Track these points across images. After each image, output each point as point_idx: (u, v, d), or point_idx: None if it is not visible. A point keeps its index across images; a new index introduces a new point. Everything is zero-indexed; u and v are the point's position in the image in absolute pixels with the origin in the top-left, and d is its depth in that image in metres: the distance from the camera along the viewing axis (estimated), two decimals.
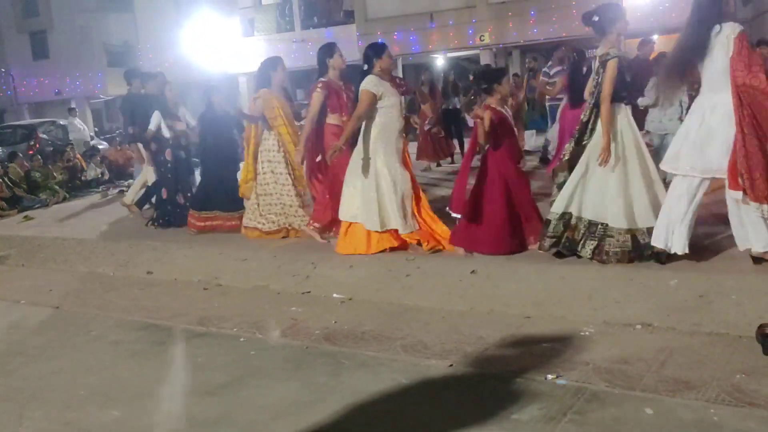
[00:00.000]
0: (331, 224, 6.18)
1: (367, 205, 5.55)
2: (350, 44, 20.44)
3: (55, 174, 12.25)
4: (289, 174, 6.50)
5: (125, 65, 30.48)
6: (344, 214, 5.74)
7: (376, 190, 5.52)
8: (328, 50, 6.22)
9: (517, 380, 3.48)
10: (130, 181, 13.72)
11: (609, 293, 4.40)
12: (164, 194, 7.70)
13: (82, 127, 17.99)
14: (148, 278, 6.40)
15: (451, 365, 3.76)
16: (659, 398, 3.17)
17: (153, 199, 8.28)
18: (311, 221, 6.24)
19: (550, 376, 3.48)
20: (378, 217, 5.52)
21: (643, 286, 4.36)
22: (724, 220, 5.31)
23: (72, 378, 4.06)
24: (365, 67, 5.63)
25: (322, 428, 3.17)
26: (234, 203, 7.13)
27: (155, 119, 7.58)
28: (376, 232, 5.56)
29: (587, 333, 4.07)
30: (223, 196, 7.11)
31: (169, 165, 7.66)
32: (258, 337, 4.53)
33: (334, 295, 5.28)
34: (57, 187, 11.94)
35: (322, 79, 6.13)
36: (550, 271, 4.77)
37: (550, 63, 9.77)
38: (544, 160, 9.66)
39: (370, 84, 5.51)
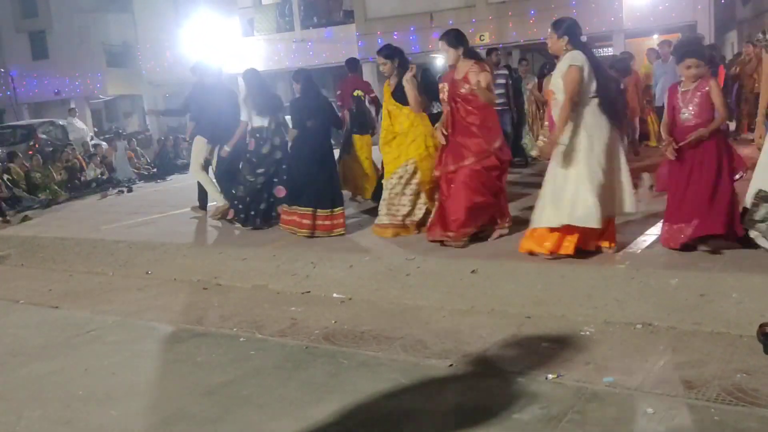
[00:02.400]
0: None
1: None
2: (350, 44, 20.47)
3: (54, 174, 12.25)
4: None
5: (124, 65, 30.58)
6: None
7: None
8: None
9: (517, 380, 3.47)
10: (129, 183, 13.74)
11: (609, 292, 4.39)
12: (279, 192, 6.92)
13: (81, 127, 17.97)
14: (148, 278, 6.39)
15: (451, 365, 3.75)
16: (660, 398, 3.16)
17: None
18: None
19: (550, 376, 3.47)
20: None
21: (644, 285, 4.35)
22: None
23: (71, 378, 4.05)
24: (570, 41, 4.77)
25: (322, 428, 3.16)
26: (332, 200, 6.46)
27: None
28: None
29: (588, 332, 4.06)
30: (318, 191, 6.38)
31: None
32: (257, 337, 4.51)
33: (334, 294, 5.27)
34: (56, 187, 11.95)
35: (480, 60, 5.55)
36: (551, 270, 4.76)
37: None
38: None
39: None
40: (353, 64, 9.55)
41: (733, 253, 4.60)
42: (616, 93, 4.87)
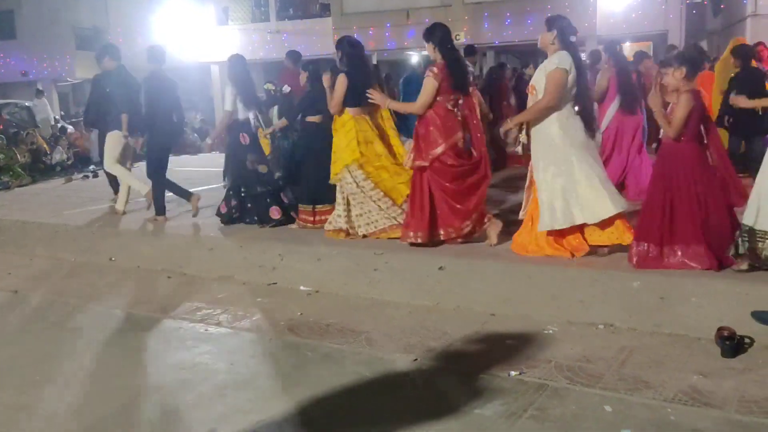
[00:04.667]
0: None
1: None
2: (326, 38, 20.39)
3: (18, 156, 11.99)
4: None
5: (94, 49, 29.93)
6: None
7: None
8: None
9: (480, 376, 3.50)
10: (93, 167, 13.51)
11: (573, 293, 4.45)
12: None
13: (48, 110, 17.60)
14: (111, 265, 6.30)
15: (415, 360, 3.77)
16: (618, 396, 3.21)
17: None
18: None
19: (513, 373, 3.50)
20: None
21: (607, 287, 4.42)
22: None
23: (28, 363, 3.97)
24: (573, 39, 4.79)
25: (284, 420, 3.15)
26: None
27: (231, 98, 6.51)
28: None
29: (551, 331, 4.11)
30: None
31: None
32: (222, 328, 4.48)
33: (301, 287, 5.25)
34: (20, 170, 11.70)
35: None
36: (517, 270, 4.80)
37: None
38: None
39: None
40: (296, 57, 9.13)
41: None
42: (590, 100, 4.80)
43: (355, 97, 5.60)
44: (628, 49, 18.49)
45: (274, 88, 8.22)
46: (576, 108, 4.78)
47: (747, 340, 3.71)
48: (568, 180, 4.69)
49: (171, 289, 5.43)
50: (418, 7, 19.26)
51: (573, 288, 4.50)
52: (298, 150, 6.51)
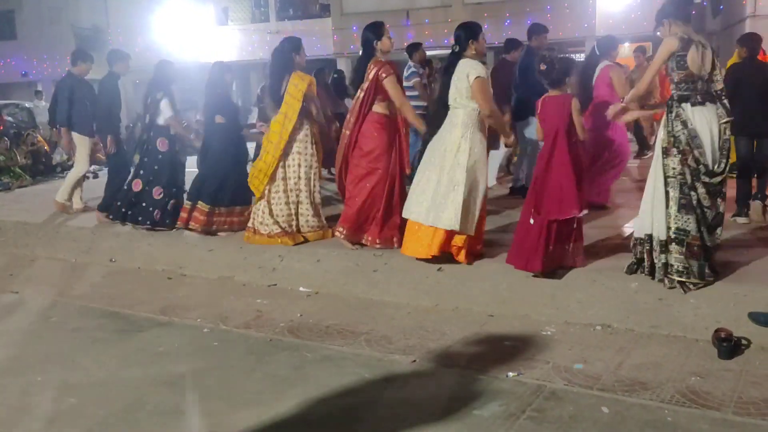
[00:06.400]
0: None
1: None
2: (325, 38, 20.45)
3: (19, 157, 12.00)
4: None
5: (94, 49, 29.85)
6: None
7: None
8: (375, 30, 5.29)
9: (479, 377, 3.52)
10: (96, 167, 13.51)
11: (571, 294, 4.47)
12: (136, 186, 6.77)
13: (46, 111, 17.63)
14: (111, 266, 6.31)
15: (414, 361, 3.79)
16: (616, 397, 3.23)
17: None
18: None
19: (511, 374, 3.53)
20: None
21: (605, 288, 4.43)
22: None
23: (30, 364, 3.98)
24: (456, 48, 4.87)
25: (284, 421, 3.17)
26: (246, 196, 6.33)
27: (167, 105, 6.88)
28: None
29: (549, 332, 4.13)
30: (239, 188, 6.31)
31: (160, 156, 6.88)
32: (221, 328, 4.50)
33: (301, 288, 5.27)
34: (20, 170, 11.71)
35: (380, 59, 5.25)
36: (515, 271, 4.80)
37: (409, 64, 8.76)
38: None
39: (482, 70, 4.77)
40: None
41: None
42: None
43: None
44: (628, 49, 18.53)
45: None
46: None
47: (744, 342, 3.73)
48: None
49: (171, 290, 5.45)
50: (418, 7, 19.29)
51: (571, 289, 4.51)
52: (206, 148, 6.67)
